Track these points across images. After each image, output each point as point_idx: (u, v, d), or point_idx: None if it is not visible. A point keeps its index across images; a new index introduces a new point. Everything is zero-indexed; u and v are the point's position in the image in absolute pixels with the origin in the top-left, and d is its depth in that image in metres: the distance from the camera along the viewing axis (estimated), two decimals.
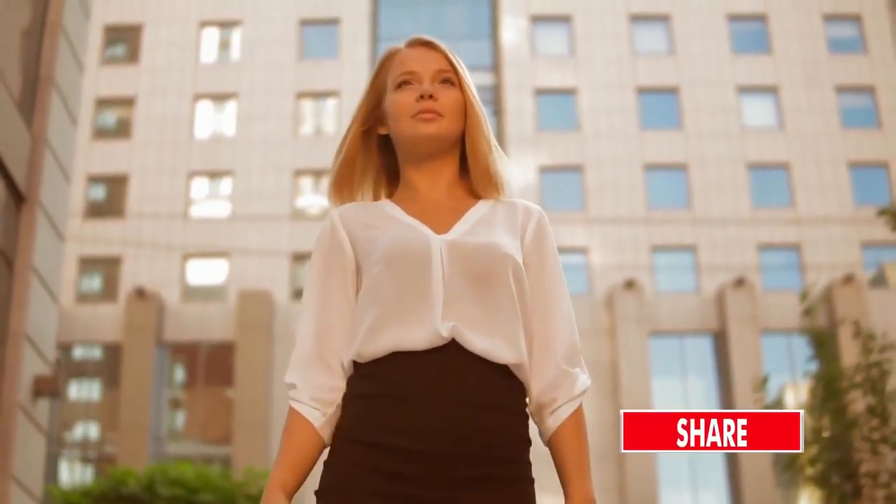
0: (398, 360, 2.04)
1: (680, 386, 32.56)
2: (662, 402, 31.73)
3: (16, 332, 8.59)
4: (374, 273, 2.10)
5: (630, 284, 32.23)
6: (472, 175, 2.26)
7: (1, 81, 8.01)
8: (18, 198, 8.72)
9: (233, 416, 30.69)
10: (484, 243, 2.12)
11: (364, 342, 2.07)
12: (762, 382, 13.90)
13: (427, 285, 2.07)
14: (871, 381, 12.78)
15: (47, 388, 9.14)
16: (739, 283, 32.18)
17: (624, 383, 31.06)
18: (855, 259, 32.77)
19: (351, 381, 2.11)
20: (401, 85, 2.23)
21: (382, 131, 2.29)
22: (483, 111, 2.28)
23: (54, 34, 9.17)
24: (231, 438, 30.48)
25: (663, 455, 30.92)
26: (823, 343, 14.44)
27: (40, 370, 9.29)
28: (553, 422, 2.12)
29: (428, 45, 2.28)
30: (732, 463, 30.21)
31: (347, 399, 2.10)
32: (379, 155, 2.33)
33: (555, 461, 2.12)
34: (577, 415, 2.13)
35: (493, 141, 2.29)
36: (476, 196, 2.28)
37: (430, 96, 2.19)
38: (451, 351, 2.04)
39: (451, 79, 2.24)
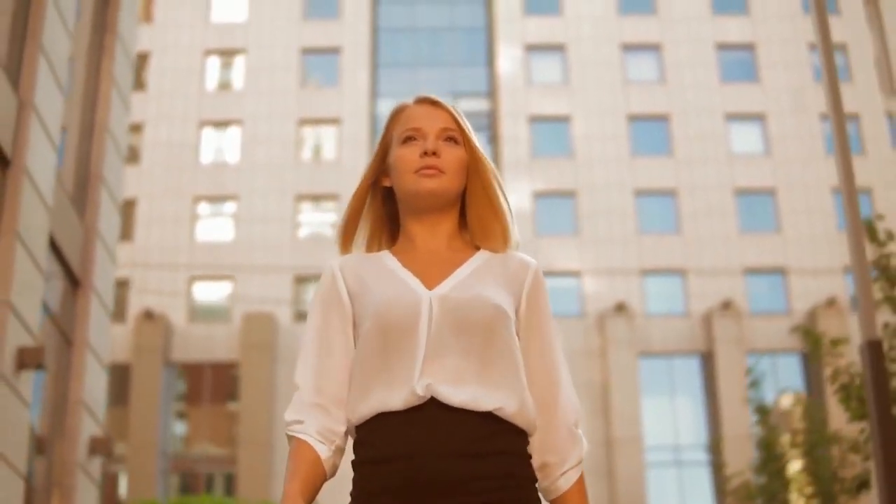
0: (382, 422, 2.07)
1: (669, 405, 33.23)
2: (652, 420, 32.51)
3: (75, 400, 9.80)
4: (366, 329, 2.14)
5: (620, 307, 33.01)
6: (477, 228, 2.30)
7: (58, 182, 9.17)
8: (74, 283, 9.91)
9: (237, 433, 31.58)
10: (474, 296, 2.13)
11: (356, 404, 2.12)
12: (716, 444, 15.93)
13: (412, 344, 2.09)
14: (809, 444, 14.70)
15: (101, 447, 10.35)
16: (726, 305, 32.95)
17: (614, 403, 31.88)
18: (839, 282, 33.48)
19: (353, 447, 2.15)
20: (406, 140, 2.27)
21: (386, 183, 2.33)
22: (493, 166, 2.33)
23: (101, 135, 10.30)
24: (235, 455, 31.40)
25: (652, 471, 31.78)
26: (767, 412, 16.23)
27: (94, 431, 10.51)
28: (563, 484, 2.17)
29: (434, 103, 2.32)
30: (720, 479, 30.86)
31: (354, 466, 2.12)
32: (384, 206, 2.37)
33: None
34: (583, 478, 2.21)
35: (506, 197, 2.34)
36: (475, 247, 2.30)
37: (434, 153, 2.23)
38: (430, 408, 2.05)
39: (455, 137, 2.28)
